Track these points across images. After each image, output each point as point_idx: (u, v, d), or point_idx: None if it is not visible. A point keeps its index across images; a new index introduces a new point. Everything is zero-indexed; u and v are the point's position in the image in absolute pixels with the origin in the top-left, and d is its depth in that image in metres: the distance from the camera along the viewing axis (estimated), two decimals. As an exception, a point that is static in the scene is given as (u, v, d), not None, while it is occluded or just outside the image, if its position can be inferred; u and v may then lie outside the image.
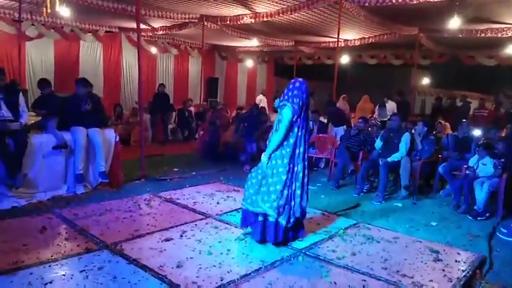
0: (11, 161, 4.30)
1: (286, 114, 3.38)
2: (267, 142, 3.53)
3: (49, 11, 6.58)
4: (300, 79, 3.54)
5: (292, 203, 3.46)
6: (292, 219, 3.47)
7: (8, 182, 4.32)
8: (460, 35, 9.05)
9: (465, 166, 5.13)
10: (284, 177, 3.38)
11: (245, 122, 7.35)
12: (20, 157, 4.39)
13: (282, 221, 3.42)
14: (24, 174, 4.45)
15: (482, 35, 8.88)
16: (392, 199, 5.38)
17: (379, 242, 3.74)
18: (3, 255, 3.07)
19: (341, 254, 3.38)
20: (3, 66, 7.31)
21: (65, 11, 7.26)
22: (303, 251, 3.41)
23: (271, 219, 3.44)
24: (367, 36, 10.75)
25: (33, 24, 9.71)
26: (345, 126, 7.83)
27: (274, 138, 3.41)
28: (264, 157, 3.47)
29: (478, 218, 4.60)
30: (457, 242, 3.85)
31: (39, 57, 10.34)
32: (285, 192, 3.40)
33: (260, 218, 3.47)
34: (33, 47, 10.10)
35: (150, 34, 11.30)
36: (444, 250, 3.60)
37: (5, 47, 9.39)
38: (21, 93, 4.76)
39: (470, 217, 4.65)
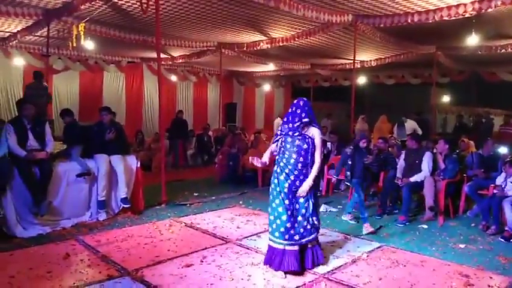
0: (37, 189, 4.43)
1: (319, 135, 3.39)
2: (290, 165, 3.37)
3: (74, 45, 6.92)
4: (305, 99, 3.50)
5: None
6: None
7: (34, 209, 4.44)
8: (479, 52, 8.93)
9: (492, 185, 4.95)
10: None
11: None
12: (45, 185, 4.52)
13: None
14: (49, 201, 4.56)
15: (503, 50, 8.73)
16: (416, 220, 5.22)
17: (405, 265, 3.61)
18: (28, 282, 3.12)
19: (366, 279, 3.28)
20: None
21: (89, 44, 7.61)
22: (326, 276, 3.32)
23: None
24: (383, 57, 10.77)
25: (59, 58, 10.21)
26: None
27: (317, 164, 3.35)
28: (308, 184, 3.32)
29: (511, 240, 4.39)
30: (488, 266, 3.67)
31: (65, 89, 10.83)
32: None
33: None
34: (60, 79, 10.60)
35: (170, 63, 11.67)
36: (475, 274, 3.44)
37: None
38: (47, 123, 4.95)
39: (501, 239, 4.44)
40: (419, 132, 9.42)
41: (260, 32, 8.39)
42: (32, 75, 7.60)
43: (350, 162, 5.04)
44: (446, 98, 17.18)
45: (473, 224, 5.02)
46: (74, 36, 6.77)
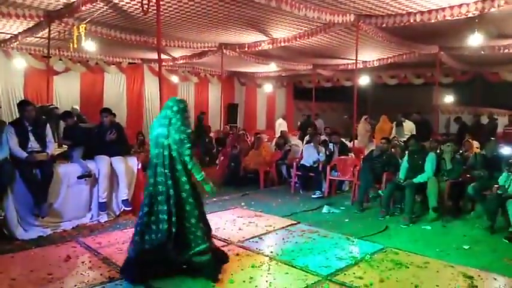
0: (38, 190, 4.41)
1: None
2: None
3: (75, 46, 6.90)
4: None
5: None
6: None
7: (35, 211, 4.42)
8: (482, 52, 8.88)
9: (496, 186, 4.90)
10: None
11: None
12: (46, 187, 4.50)
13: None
14: (50, 203, 4.55)
15: (506, 50, 8.68)
16: (420, 222, 5.17)
17: (408, 267, 3.57)
18: (29, 284, 3.11)
19: (369, 281, 3.24)
20: (34, 100, 7.66)
21: (90, 45, 7.58)
22: (328, 278, 3.29)
23: None
24: (386, 57, 10.72)
25: (60, 59, 10.20)
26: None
27: None
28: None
29: (515, 241, 4.35)
30: (492, 267, 3.63)
31: (66, 90, 10.79)
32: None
33: None
34: (61, 80, 10.57)
35: (171, 64, 11.65)
36: (479, 275, 3.40)
37: (35, 82, 9.90)
38: (48, 125, 4.92)
39: (505, 240, 4.40)
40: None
41: (261, 33, 8.37)
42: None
43: None
44: (449, 99, 17.10)
45: (477, 225, 4.98)
46: (75, 37, 6.76)
